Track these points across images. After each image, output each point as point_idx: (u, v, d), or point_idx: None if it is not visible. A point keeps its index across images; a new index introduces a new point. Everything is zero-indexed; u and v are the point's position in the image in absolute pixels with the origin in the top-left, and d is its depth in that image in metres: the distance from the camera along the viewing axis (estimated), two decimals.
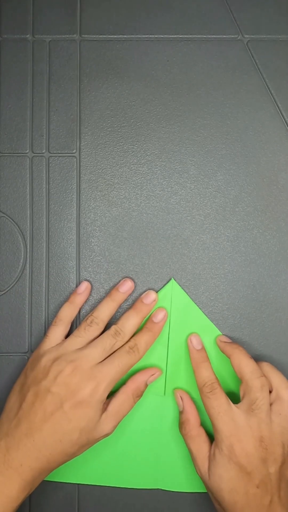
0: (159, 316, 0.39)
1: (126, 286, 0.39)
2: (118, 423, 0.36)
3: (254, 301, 0.40)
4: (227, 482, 0.34)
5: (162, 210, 0.41)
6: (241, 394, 0.36)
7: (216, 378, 0.37)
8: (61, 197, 0.41)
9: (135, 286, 0.40)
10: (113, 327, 0.37)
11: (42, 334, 0.40)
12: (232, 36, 0.42)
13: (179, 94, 0.42)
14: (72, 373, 0.35)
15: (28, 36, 0.42)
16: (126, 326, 0.37)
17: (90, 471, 0.39)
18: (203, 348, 0.38)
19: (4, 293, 0.41)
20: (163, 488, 0.39)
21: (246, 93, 0.41)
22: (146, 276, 0.41)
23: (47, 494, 0.39)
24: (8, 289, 0.41)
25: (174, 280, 0.40)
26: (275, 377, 0.37)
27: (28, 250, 0.41)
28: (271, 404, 0.36)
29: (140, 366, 0.39)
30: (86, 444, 0.35)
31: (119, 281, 0.40)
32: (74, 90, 0.42)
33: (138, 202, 0.41)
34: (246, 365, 0.36)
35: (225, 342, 0.39)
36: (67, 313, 0.39)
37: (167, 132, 0.41)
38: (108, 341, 0.36)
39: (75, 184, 0.41)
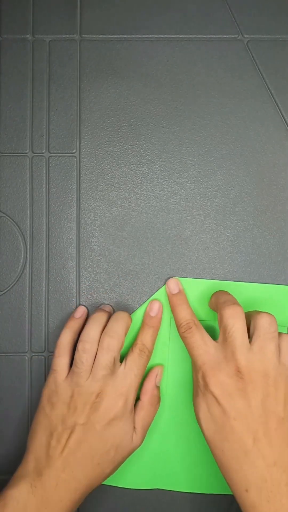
0: (154, 309, 0.39)
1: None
2: (144, 437, 0.37)
3: None
4: (203, 411, 0.33)
5: (162, 210, 0.41)
6: (218, 327, 0.35)
7: (193, 317, 0.36)
8: (61, 197, 0.41)
9: (130, 290, 0.40)
10: (135, 347, 0.37)
11: (42, 334, 0.40)
12: (232, 36, 0.42)
13: (179, 94, 0.42)
14: (98, 399, 0.35)
15: (28, 36, 0.42)
16: (146, 342, 0.38)
17: None
18: (181, 292, 0.39)
19: (4, 293, 0.41)
20: (162, 488, 0.39)
21: (246, 93, 0.41)
22: (146, 276, 0.41)
23: None
24: (8, 289, 0.41)
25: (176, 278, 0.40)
26: (255, 312, 0.35)
27: (28, 250, 0.41)
28: (252, 335, 0.34)
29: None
30: (121, 461, 0.35)
31: (99, 305, 0.40)
32: (74, 90, 0.42)
33: (138, 202, 0.41)
34: (220, 297, 0.36)
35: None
36: (68, 340, 0.38)
37: (167, 132, 0.41)
38: (139, 361, 0.37)
39: (75, 184, 0.41)
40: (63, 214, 0.41)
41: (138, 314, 0.40)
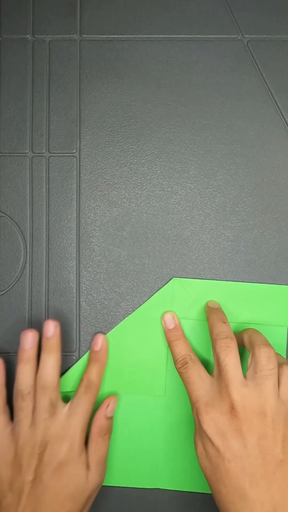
0: (98, 343, 0.38)
1: (29, 344, 0.38)
2: (105, 469, 0.35)
3: None
4: (200, 450, 0.32)
5: (162, 210, 0.41)
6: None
7: (189, 352, 0.36)
8: (61, 197, 0.41)
9: (134, 288, 0.40)
10: (81, 384, 0.36)
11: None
12: (232, 36, 0.42)
13: (179, 94, 0.42)
14: (42, 449, 0.33)
15: (28, 36, 0.42)
16: (92, 377, 0.37)
17: None
18: (177, 327, 0.38)
19: (4, 293, 0.41)
20: (163, 488, 0.39)
21: (246, 93, 0.41)
22: (146, 276, 0.41)
23: None
24: (8, 289, 0.41)
25: (176, 278, 0.40)
26: (252, 337, 0.34)
27: (28, 250, 0.41)
28: (249, 368, 0.33)
29: (140, 367, 0.39)
30: (85, 505, 0.34)
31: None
32: (74, 90, 0.42)
33: (138, 202, 0.41)
34: (213, 328, 0.35)
35: (209, 307, 0.38)
36: (2, 397, 0.37)
37: (167, 132, 0.41)
38: (85, 399, 0.36)
39: (75, 184, 0.41)
40: (63, 214, 0.41)
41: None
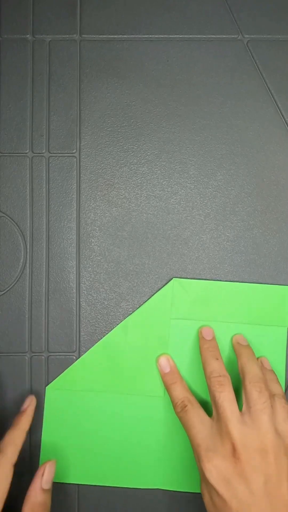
0: (24, 405, 0.37)
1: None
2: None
3: None
4: (207, 500, 0.31)
5: (162, 210, 0.41)
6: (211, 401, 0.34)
7: (188, 394, 0.36)
8: (61, 197, 0.41)
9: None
10: None
11: (42, 334, 0.40)
12: (232, 36, 0.42)
13: (179, 94, 0.42)
14: None
15: (28, 36, 0.42)
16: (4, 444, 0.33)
17: (90, 471, 0.39)
18: (172, 369, 0.38)
19: (4, 293, 0.41)
20: (162, 488, 0.39)
21: (246, 93, 0.41)
22: (146, 276, 0.40)
23: None
24: (8, 289, 0.41)
25: (176, 279, 0.40)
26: (244, 369, 0.34)
27: (28, 250, 0.41)
28: (243, 403, 0.33)
29: (139, 368, 0.39)
30: None
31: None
32: (74, 90, 0.42)
33: (138, 202, 0.41)
34: (207, 365, 0.35)
35: (203, 338, 0.37)
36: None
37: (167, 132, 0.41)
38: None
39: (75, 184, 0.41)
40: (63, 214, 0.41)
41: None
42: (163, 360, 0.38)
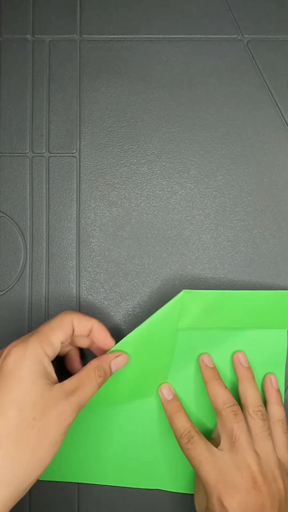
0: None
1: None
2: (80, 409, 0.30)
3: None
4: None
5: (162, 210, 0.41)
6: (220, 432, 0.34)
7: (192, 425, 0.35)
8: (61, 197, 0.41)
9: (134, 288, 0.40)
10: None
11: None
12: (232, 36, 0.42)
13: (179, 94, 0.42)
14: None
15: (28, 36, 0.42)
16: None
17: (90, 470, 0.39)
18: (175, 397, 0.37)
19: (4, 293, 0.41)
20: (162, 489, 0.39)
21: (246, 93, 0.41)
22: (146, 276, 0.41)
23: (47, 494, 0.39)
24: (8, 289, 0.41)
25: (186, 291, 0.37)
26: (244, 394, 0.35)
27: (28, 250, 0.41)
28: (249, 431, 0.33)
29: (145, 371, 0.38)
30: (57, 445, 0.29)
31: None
32: (74, 90, 0.42)
33: (138, 202, 0.41)
34: (218, 396, 0.35)
35: (205, 365, 0.37)
36: None
37: (167, 132, 0.41)
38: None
39: (75, 184, 0.41)
40: (63, 214, 0.41)
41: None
42: (165, 388, 0.37)
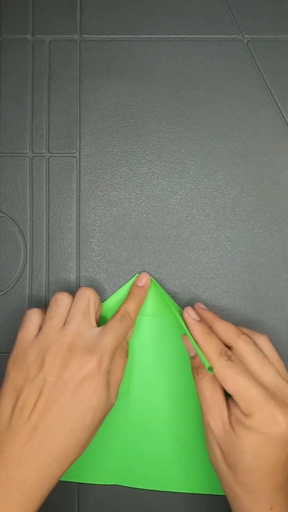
0: (143, 280, 0.39)
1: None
2: (117, 392, 0.34)
3: (254, 301, 0.40)
4: (252, 445, 0.30)
5: (162, 210, 0.41)
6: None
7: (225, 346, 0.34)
8: (61, 197, 0.41)
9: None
10: (118, 313, 0.35)
11: None
12: (232, 36, 0.42)
13: (179, 94, 0.42)
14: (70, 353, 0.32)
15: (28, 36, 0.42)
16: (129, 309, 0.36)
17: (90, 470, 0.39)
18: (203, 321, 0.36)
19: (4, 293, 0.41)
20: (163, 490, 0.39)
21: (246, 93, 0.41)
22: None
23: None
24: (8, 289, 0.41)
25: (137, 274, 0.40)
26: (221, 330, 0.35)
27: (28, 250, 0.41)
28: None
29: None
30: (98, 425, 0.32)
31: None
32: (74, 90, 0.42)
33: (138, 202, 0.41)
34: (225, 329, 0.35)
35: (193, 320, 0.36)
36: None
37: (167, 132, 0.41)
38: (119, 326, 0.34)
39: (75, 184, 0.41)
40: (63, 214, 0.41)
41: (109, 303, 0.39)
42: (191, 310, 0.36)
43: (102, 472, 0.39)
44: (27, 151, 0.41)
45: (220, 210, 0.41)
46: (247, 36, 0.42)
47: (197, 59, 0.42)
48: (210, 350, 0.33)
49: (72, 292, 0.38)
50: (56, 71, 0.42)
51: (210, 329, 0.35)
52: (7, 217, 0.41)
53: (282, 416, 0.30)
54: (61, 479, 0.39)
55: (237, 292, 0.40)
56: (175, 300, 0.40)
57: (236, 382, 0.31)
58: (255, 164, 0.41)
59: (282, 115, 0.41)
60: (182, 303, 0.40)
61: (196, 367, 0.35)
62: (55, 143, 0.41)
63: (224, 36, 0.42)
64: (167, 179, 0.41)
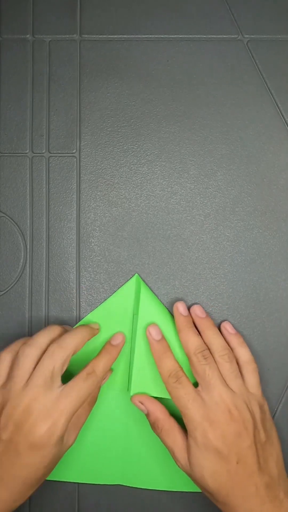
0: (117, 339, 0.38)
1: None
2: (79, 431, 0.36)
3: (254, 301, 0.40)
4: (207, 468, 0.33)
5: (162, 210, 0.41)
6: (195, 376, 0.36)
7: (179, 365, 0.36)
8: (61, 197, 0.41)
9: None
10: (84, 370, 0.35)
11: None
12: (232, 36, 0.42)
13: (179, 94, 0.42)
14: (24, 416, 0.32)
15: (28, 36, 0.42)
16: (97, 367, 0.36)
17: (89, 470, 0.39)
18: (163, 338, 0.37)
19: (4, 293, 0.41)
20: (163, 489, 0.39)
21: (246, 93, 0.41)
22: (146, 276, 0.41)
23: (47, 494, 0.39)
24: (8, 289, 0.41)
25: (139, 276, 0.40)
26: (213, 344, 0.37)
27: (28, 250, 0.41)
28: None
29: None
30: (54, 467, 0.34)
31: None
32: (74, 90, 0.42)
33: (138, 202, 0.41)
34: (191, 342, 0.36)
35: (180, 313, 0.38)
36: (16, 347, 0.36)
37: (167, 132, 0.41)
38: (83, 385, 0.34)
39: (75, 184, 0.41)
40: (63, 214, 0.41)
41: (109, 304, 0.40)
42: (154, 328, 0.38)
43: (102, 472, 0.39)
44: (27, 151, 0.41)
45: (220, 210, 0.41)
46: (247, 36, 0.42)
47: (197, 59, 0.42)
48: (162, 370, 0.36)
49: (72, 290, 0.38)
50: (56, 71, 0.42)
51: (167, 348, 0.37)
52: (7, 217, 0.41)
53: (212, 433, 0.33)
54: (61, 479, 0.39)
55: (237, 292, 0.40)
56: (175, 301, 0.40)
57: (179, 403, 0.35)
58: (255, 164, 0.41)
59: (282, 115, 0.41)
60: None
61: (152, 423, 0.37)
62: (55, 143, 0.41)
63: (224, 36, 0.42)
64: (167, 179, 0.41)
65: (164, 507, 0.39)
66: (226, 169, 0.41)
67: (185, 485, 0.39)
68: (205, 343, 0.37)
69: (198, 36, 0.42)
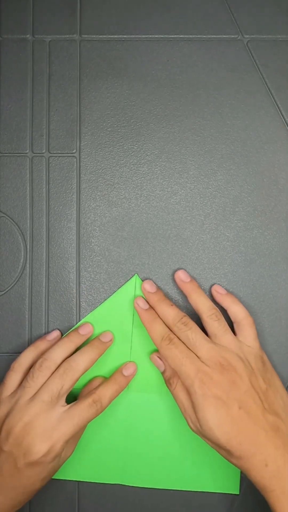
0: (129, 370, 0.38)
1: (86, 330, 0.39)
2: (76, 445, 0.37)
3: (254, 301, 0.40)
4: (212, 419, 0.33)
5: (162, 210, 0.41)
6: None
7: (169, 330, 0.37)
8: (61, 197, 0.41)
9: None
10: (90, 397, 0.36)
11: (42, 334, 0.40)
12: (232, 36, 0.42)
13: (179, 94, 0.42)
14: (25, 430, 0.34)
15: (28, 36, 0.42)
16: (103, 395, 0.36)
17: (90, 469, 0.39)
18: (150, 308, 0.38)
19: (4, 293, 0.41)
20: (164, 488, 0.39)
21: (246, 93, 0.41)
22: (146, 276, 0.41)
23: (47, 494, 0.40)
24: (8, 289, 0.41)
25: (139, 276, 0.40)
26: (199, 305, 0.38)
27: (28, 250, 0.41)
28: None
29: (103, 365, 0.39)
30: (51, 477, 0.36)
31: (78, 325, 0.40)
32: (74, 90, 0.42)
33: (138, 202, 0.41)
34: (168, 313, 0.37)
35: (183, 281, 0.39)
36: (29, 358, 0.37)
37: (167, 132, 0.41)
38: (86, 413, 0.35)
39: (75, 184, 0.41)
40: (63, 214, 0.41)
41: (107, 305, 0.40)
42: (141, 300, 0.39)
43: (102, 470, 0.39)
44: (27, 151, 0.41)
45: (220, 210, 0.41)
46: (247, 36, 0.42)
47: (197, 59, 0.42)
48: (154, 336, 0.37)
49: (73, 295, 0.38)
50: (56, 71, 0.42)
51: (156, 315, 0.38)
52: (7, 217, 0.41)
53: (208, 383, 0.34)
54: (61, 478, 0.39)
55: (237, 292, 0.40)
56: (175, 301, 0.40)
57: (174, 362, 0.35)
58: (255, 164, 0.41)
59: (282, 115, 0.41)
60: (182, 304, 0.40)
61: (167, 379, 0.37)
62: (55, 143, 0.41)
63: (224, 36, 0.42)
64: (167, 179, 0.41)
65: (164, 507, 0.39)
66: (226, 169, 0.41)
67: (185, 485, 0.39)
68: (192, 307, 0.38)
69: (198, 36, 0.42)
